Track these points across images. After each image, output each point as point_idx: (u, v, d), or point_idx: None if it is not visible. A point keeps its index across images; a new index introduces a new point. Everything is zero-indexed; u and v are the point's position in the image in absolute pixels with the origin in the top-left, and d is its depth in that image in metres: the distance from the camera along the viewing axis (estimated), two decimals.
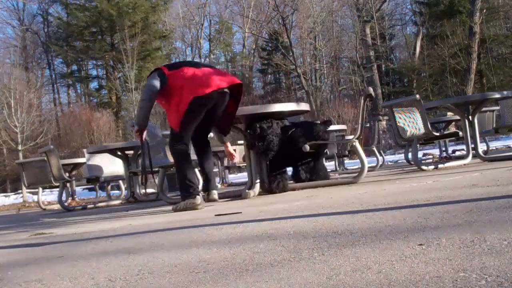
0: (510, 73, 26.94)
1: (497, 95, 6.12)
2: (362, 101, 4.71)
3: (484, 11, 24.89)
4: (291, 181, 4.95)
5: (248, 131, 4.50)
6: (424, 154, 12.20)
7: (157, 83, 3.86)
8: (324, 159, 5.24)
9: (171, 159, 5.54)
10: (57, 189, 7.32)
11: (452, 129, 9.70)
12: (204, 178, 4.29)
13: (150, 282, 1.36)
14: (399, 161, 12.90)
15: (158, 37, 32.19)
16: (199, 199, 3.78)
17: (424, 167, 5.51)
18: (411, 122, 5.61)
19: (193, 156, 4.19)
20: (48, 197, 14.18)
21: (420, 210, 2.07)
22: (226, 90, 3.96)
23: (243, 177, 13.39)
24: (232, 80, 4.05)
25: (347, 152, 8.93)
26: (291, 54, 30.22)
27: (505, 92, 6.04)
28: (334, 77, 33.72)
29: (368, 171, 6.61)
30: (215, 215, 2.95)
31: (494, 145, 13.28)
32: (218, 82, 3.88)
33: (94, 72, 35.57)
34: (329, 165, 10.42)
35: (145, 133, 4.12)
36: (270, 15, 34.15)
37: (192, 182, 3.82)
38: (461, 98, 8.29)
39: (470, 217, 1.73)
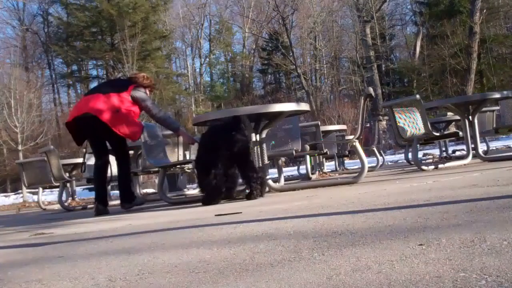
0: (510, 73, 26.95)
1: (497, 95, 6.12)
2: (362, 101, 4.71)
3: (484, 11, 24.89)
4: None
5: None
6: (424, 154, 12.19)
7: None
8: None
9: (171, 159, 5.57)
10: (57, 189, 7.32)
11: (452, 129, 9.71)
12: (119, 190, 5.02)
13: (150, 282, 1.36)
14: (399, 161, 12.90)
15: (158, 37, 32.17)
16: (97, 207, 4.67)
17: (424, 167, 5.51)
18: (411, 122, 5.61)
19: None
20: (48, 197, 14.18)
21: (420, 210, 2.07)
22: (87, 115, 4.51)
23: None
24: (86, 110, 4.53)
25: (347, 152, 8.94)
26: (291, 54, 30.23)
27: (505, 92, 6.04)
28: (334, 77, 33.73)
29: (368, 171, 6.61)
30: (215, 215, 2.95)
31: (494, 145, 13.27)
32: (75, 112, 4.63)
33: (94, 72, 35.60)
34: (329, 165, 10.43)
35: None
36: (270, 15, 34.17)
37: (96, 192, 4.80)
38: (461, 98, 8.29)
39: (470, 217, 1.73)
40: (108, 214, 4.66)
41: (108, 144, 4.86)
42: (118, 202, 7.02)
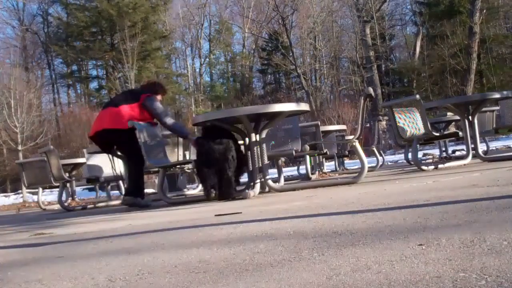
0: (510, 73, 26.95)
1: (497, 95, 6.13)
2: (362, 101, 4.71)
3: (484, 11, 24.87)
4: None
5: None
6: (424, 154, 12.18)
7: None
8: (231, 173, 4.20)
9: (171, 159, 5.59)
10: (57, 189, 7.32)
11: (452, 129, 9.70)
12: None
13: (150, 282, 1.36)
14: (399, 161, 12.89)
15: (158, 37, 32.17)
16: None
17: (424, 167, 5.51)
18: (411, 122, 5.61)
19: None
20: (48, 197, 14.17)
21: (420, 210, 2.07)
22: (104, 130, 4.88)
23: (243, 176, 13.34)
24: (102, 125, 4.91)
25: (347, 152, 8.93)
26: (291, 54, 30.21)
27: (505, 92, 6.04)
28: (334, 77, 33.71)
29: (368, 171, 6.61)
30: (215, 215, 2.95)
31: (494, 145, 13.26)
32: (94, 127, 5.00)
33: (94, 72, 35.60)
34: (329, 165, 10.43)
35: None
36: (270, 15, 34.15)
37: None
38: (461, 98, 8.30)
39: (470, 217, 1.73)
40: (145, 207, 4.88)
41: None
42: (118, 202, 7.03)
